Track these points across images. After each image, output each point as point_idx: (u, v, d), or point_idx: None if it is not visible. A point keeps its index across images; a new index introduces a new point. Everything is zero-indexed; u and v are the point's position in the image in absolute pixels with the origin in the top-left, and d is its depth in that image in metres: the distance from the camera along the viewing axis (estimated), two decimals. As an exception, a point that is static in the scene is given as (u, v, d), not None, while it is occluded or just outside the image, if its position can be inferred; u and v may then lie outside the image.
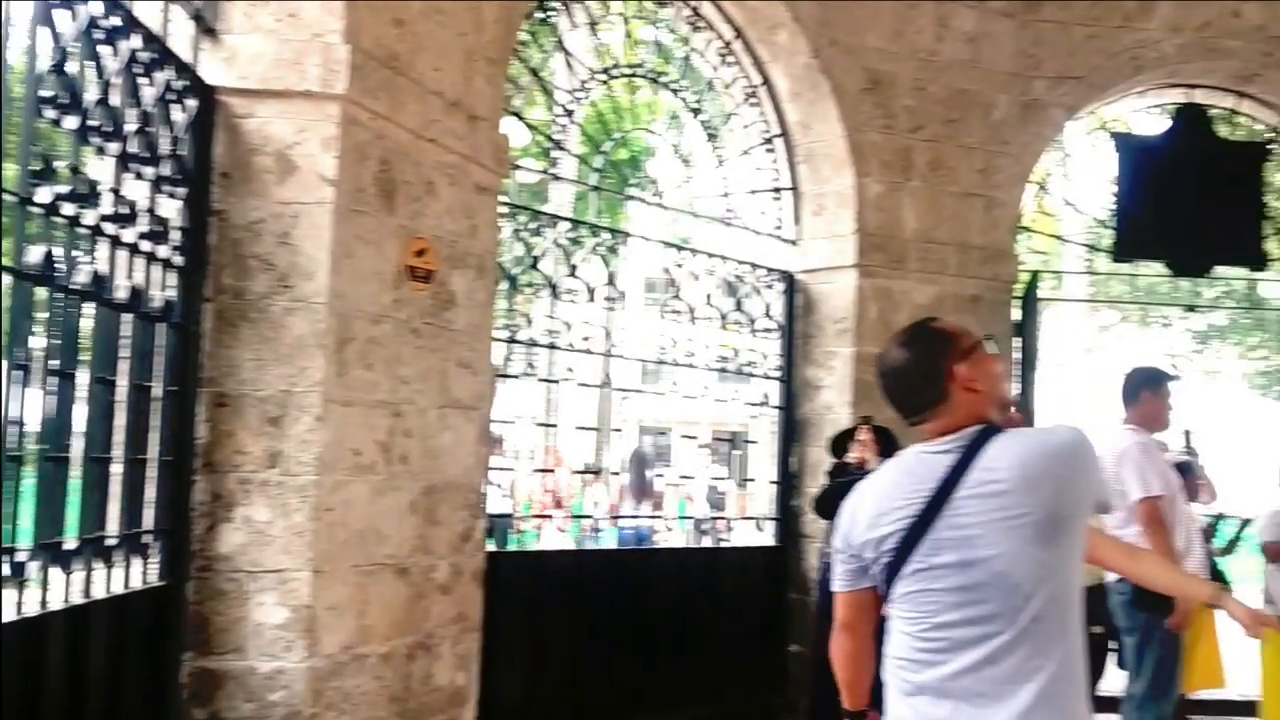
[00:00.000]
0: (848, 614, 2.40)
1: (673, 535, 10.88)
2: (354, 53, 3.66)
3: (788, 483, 6.49)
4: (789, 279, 6.58)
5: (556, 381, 6.26)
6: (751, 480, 6.88)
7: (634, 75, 6.12)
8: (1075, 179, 7.89)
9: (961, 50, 6.64)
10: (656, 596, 5.69)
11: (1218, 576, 6.25)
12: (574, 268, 5.49)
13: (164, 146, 3.28)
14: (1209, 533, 6.22)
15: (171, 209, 3.37)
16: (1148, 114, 7.83)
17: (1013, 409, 2.60)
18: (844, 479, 4.89)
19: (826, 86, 6.30)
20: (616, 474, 9.94)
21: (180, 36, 3.50)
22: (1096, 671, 5.66)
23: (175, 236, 3.38)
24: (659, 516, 10.24)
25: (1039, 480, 2.12)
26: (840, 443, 5.48)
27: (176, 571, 3.45)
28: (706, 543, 11.44)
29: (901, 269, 6.48)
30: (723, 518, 10.52)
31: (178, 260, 3.41)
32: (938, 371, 2.26)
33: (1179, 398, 5.31)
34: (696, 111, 6.43)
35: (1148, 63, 6.95)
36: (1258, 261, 7.47)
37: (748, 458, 8.89)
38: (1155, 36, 6.91)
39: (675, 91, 6.34)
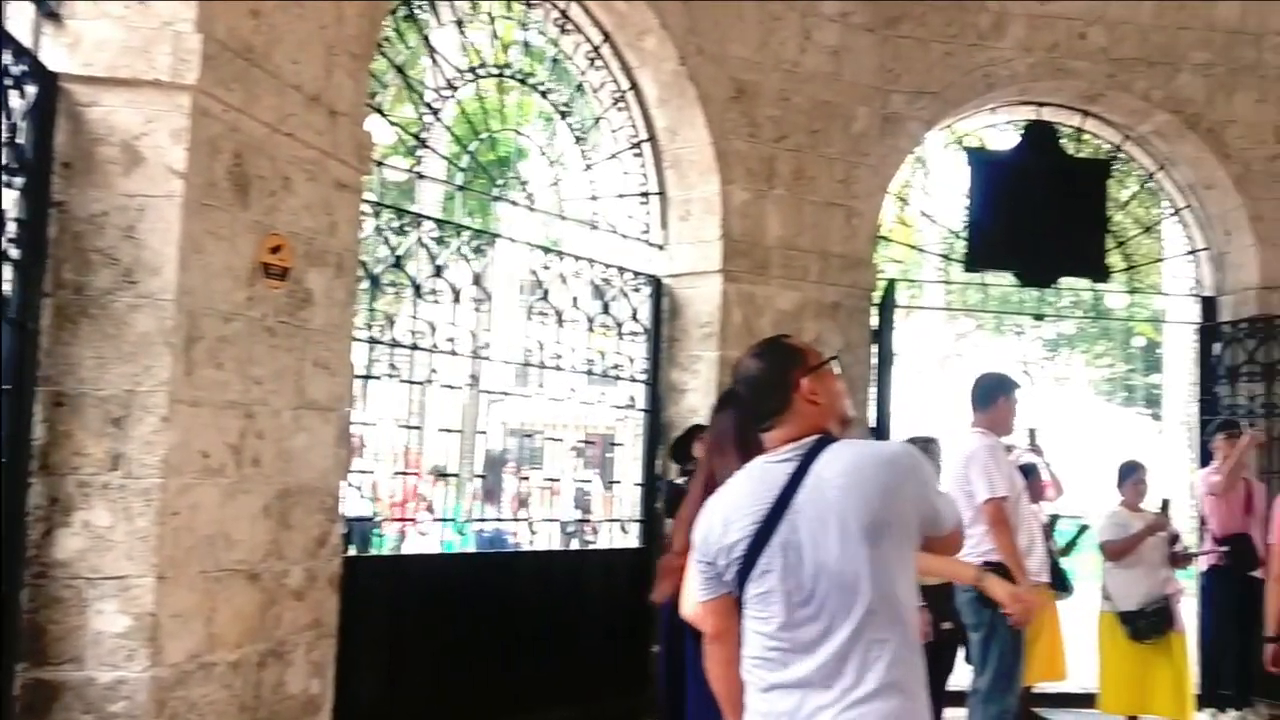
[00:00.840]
0: (714, 622, 2.46)
1: (539, 538, 10.84)
2: (206, 42, 3.54)
3: (652, 485, 6.54)
4: (656, 283, 6.64)
5: (419, 383, 6.18)
6: (617, 483, 6.91)
7: (501, 76, 6.09)
8: (932, 191, 8.17)
9: (824, 63, 6.81)
10: (521, 600, 5.67)
11: (1059, 575, 6.55)
12: (439, 268, 5.43)
13: (-1, 134, 3.13)
14: (1048, 532, 6.50)
15: (8, 200, 3.20)
16: (1000, 130, 8.15)
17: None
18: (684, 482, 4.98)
19: (693, 94, 6.38)
20: (482, 478, 9.87)
21: (20, 20, 3.34)
22: (946, 667, 5.85)
23: (11, 229, 3.22)
24: (520, 519, 10.20)
25: (866, 486, 2.28)
26: (681, 448, 5.53)
27: (9, 579, 3.28)
28: (574, 545, 11.43)
29: (765, 275, 6.60)
30: (587, 520, 10.55)
31: (14, 253, 3.24)
32: (785, 382, 2.43)
33: (1024, 403, 5.56)
34: (565, 114, 6.43)
35: (1000, 80, 7.25)
36: (1100, 273, 7.84)
37: (613, 460, 8.95)
38: (1007, 55, 7.21)
39: (544, 94, 6.33)
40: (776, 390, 2.43)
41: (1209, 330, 7.79)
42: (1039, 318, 9.10)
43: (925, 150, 7.94)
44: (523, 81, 6.22)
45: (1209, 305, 7.87)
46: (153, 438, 3.42)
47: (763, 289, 6.60)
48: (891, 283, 7.36)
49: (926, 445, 5.95)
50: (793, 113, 6.71)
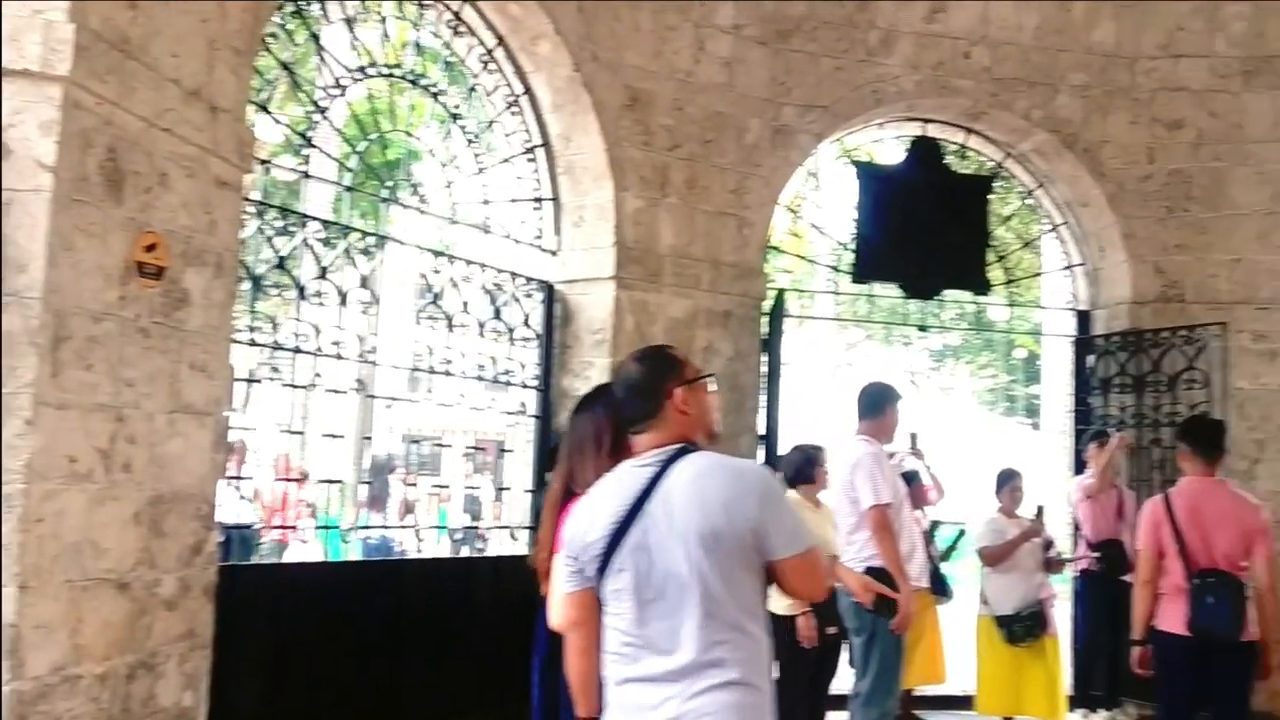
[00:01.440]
0: (573, 613, 2.60)
1: (427, 545, 10.70)
2: (79, 32, 3.42)
3: (543, 491, 6.49)
4: (548, 289, 6.62)
5: (302, 387, 6.05)
6: (507, 489, 6.86)
7: (392, 76, 6.00)
8: (823, 203, 8.32)
9: (718, 74, 6.88)
10: (406, 609, 5.57)
11: (939, 580, 6.72)
12: (324, 270, 5.32)
13: None
14: (927, 538, 6.67)
15: None
16: (888, 144, 8.33)
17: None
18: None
19: (588, 100, 6.38)
20: (368, 484, 9.69)
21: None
22: (830, 671, 5.95)
23: None
24: (406, 526, 10.04)
25: (708, 497, 2.43)
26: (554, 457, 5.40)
27: None
28: (466, 552, 11.32)
29: (658, 283, 6.63)
30: (474, 527, 10.45)
31: None
32: (659, 389, 2.59)
33: (907, 411, 5.70)
34: (456, 117, 6.37)
35: (888, 96, 7.41)
36: (982, 286, 8.07)
37: (504, 467, 8.86)
38: (895, 72, 7.38)
39: (435, 95, 6.26)
40: (651, 396, 2.58)
41: (1083, 343, 8.09)
42: (923, 329, 9.31)
43: (817, 163, 8.08)
44: (414, 83, 6.13)
45: (1084, 319, 8.16)
46: (16, 441, 3.28)
47: (655, 296, 6.63)
48: (781, 292, 7.46)
49: (812, 453, 6.06)
50: (686, 122, 6.77)
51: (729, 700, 2.39)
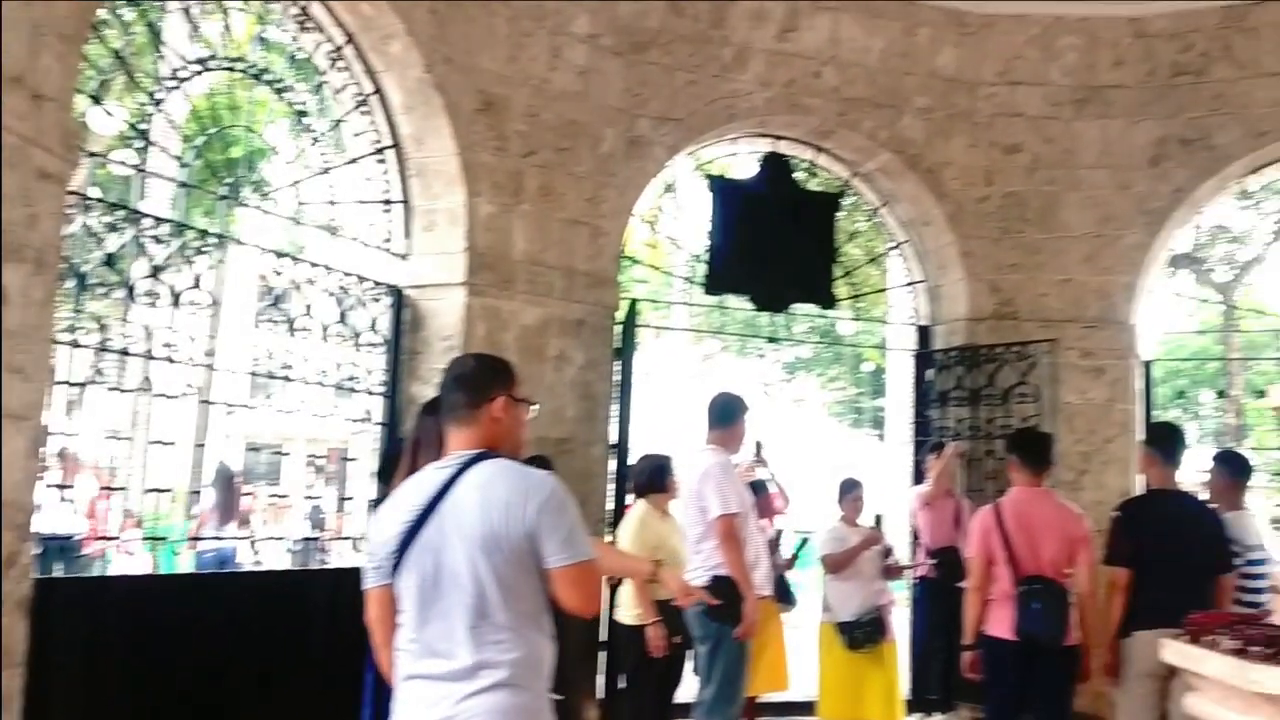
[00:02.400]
0: (373, 610, 2.72)
1: (268, 557, 10.34)
2: (-119, 7, 3.19)
3: (384, 502, 6.34)
4: (397, 293, 6.48)
5: (129, 391, 5.76)
6: (350, 499, 6.68)
7: (234, 70, 5.79)
8: (679, 215, 8.39)
9: (573, 82, 6.87)
10: (240, 624, 5.34)
11: (784, 588, 6.84)
12: (157, 269, 5.08)
13: None
14: (774, 546, 6.78)
15: None
16: (742, 159, 8.45)
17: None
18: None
19: (440, 103, 6.28)
20: (195, 494, 9.30)
21: None
22: (675, 679, 5.99)
23: None
24: (243, 538, 9.70)
25: (492, 502, 2.52)
26: (390, 467, 5.14)
27: None
28: (309, 565, 10.95)
29: (510, 290, 6.57)
30: (314, 538, 10.14)
31: None
32: (484, 390, 2.70)
33: (755, 421, 5.79)
34: (303, 114, 6.19)
35: (740, 112, 7.53)
36: (829, 301, 8.26)
37: (348, 476, 8.63)
38: (747, 88, 7.50)
39: (280, 91, 6.06)
40: (475, 392, 2.70)
41: (923, 357, 8.36)
42: (772, 340, 9.47)
43: (674, 175, 8.15)
44: (257, 78, 5.93)
45: (925, 334, 8.44)
46: None
47: (507, 303, 6.56)
48: (634, 302, 7.48)
49: (662, 462, 6.09)
50: (541, 129, 6.73)
51: (499, 703, 2.47)
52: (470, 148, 6.41)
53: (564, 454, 6.43)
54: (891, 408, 11.35)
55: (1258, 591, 5.06)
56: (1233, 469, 5.50)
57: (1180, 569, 4.82)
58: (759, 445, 7.04)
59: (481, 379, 2.73)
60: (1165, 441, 5.22)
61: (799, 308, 8.50)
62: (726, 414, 5.51)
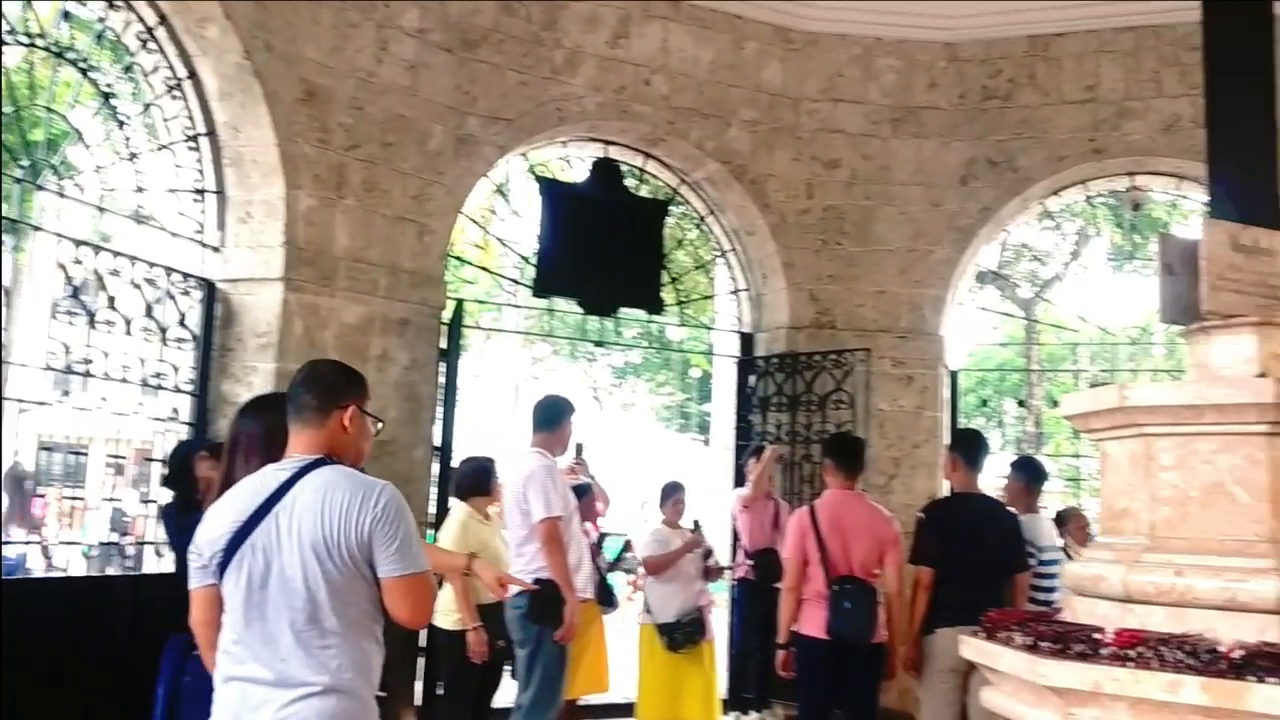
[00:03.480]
0: (197, 610, 2.65)
1: (66, 563, 9.75)
2: None
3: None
4: (209, 287, 6.21)
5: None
6: (154, 502, 6.36)
7: (34, 45, 5.43)
8: (511, 216, 8.32)
9: (401, 76, 6.73)
10: (25, 633, 4.99)
11: (606, 590, 6.86)
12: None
13: None
14: (596, 549, 6.80)
15: None
16: (572, 162, 8.47)
17: None
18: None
19: (259, 91, 6.06)
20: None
21: None
22: (494, 683, 5.93)
23: None
24: (34, 542, 9.13)
25: (329, 507, 2.50)
26: (181, 473, 4.77)
27: None
28: (111, 570, 10.38)
29: (330, 286, 6.38)
30: (114, 543, 9.62)
31: None
32: (336, 396, 2.69)
33: (580, 425, 5.79)
34: (110, 96, 5.86)
35: (571, 115, 7.53)
36: (656, 306, 8.35)
37: (152, 478, 8.19)
38: (579, 92, 7.51)
39: (85, 71, 5.73)
40: (328, 397, 2.68)
41: (745, 364, 8.54)
42: (599, 344, 9.50)
43: (506, 175, 8.09)
44: (60, 55, 5.58)
45: (747, 341, 8.63)
46: None
47: (327, 301, 6.38)
48: (460, 302, 7.38)
49: (486, 465, 6.03)
50: (366, 123, 6.57)
51: (326, 708, 2.46)
52: (291, 138, 6.21)
53: (386, 456, 6.29)
54: (717, 413, 11.56)
55: (1050, 590, 5.36)
56: (1028, 474, 5.81)
57: (980, 568, 5.06)
58: (580, 448, 7.05)
59: (336, 385, 2.71)
60: (968, 447, 5.47)
61: (627, 312, 8.56)
62: (552, 416, 5.49)
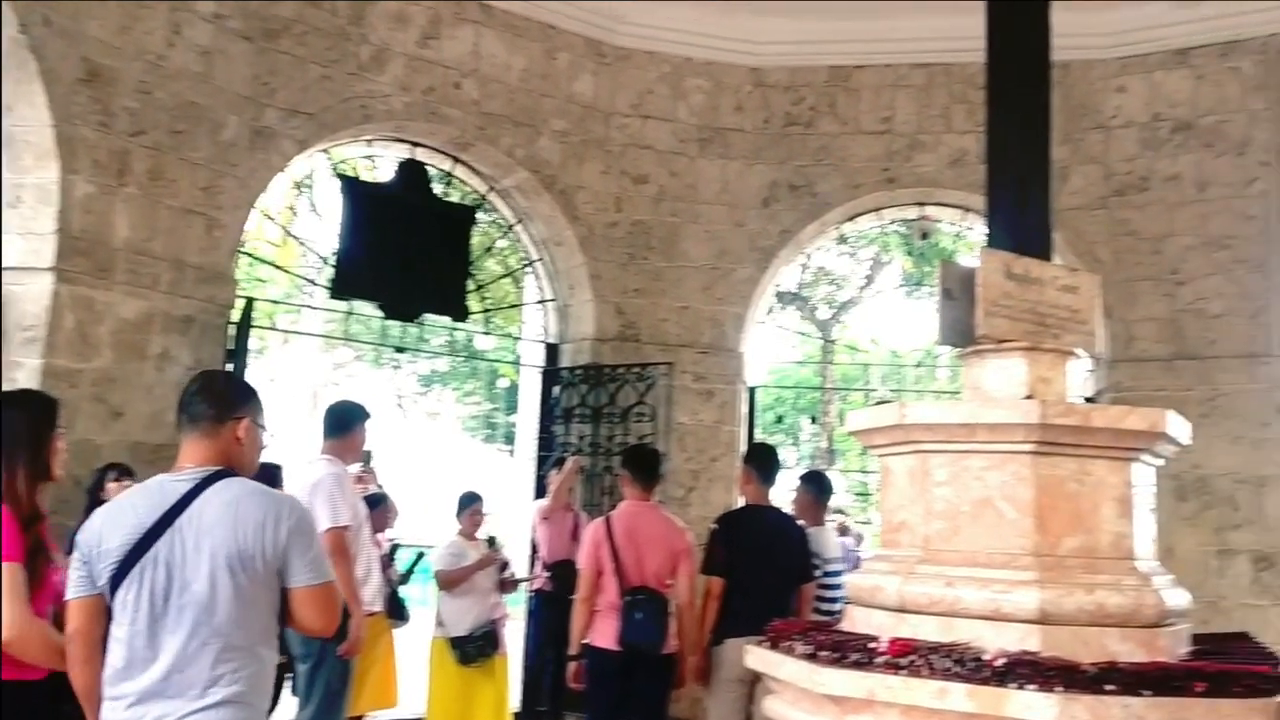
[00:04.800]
0: (77, 620, 2.58)
1: None
2: None
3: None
4: (-31, 276, 5.73)
5: None
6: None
7: None
8: (311, 214, 8.05)
9: (194, 62, 6.40)
10: None
11: (397, 603, 6.68)
12: None
13: None
14: (388, 561, 6.62)
15: None
16: (378, 162, 8.26)
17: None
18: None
19: (34, 68, 5.65)
20: None
21: None
22: (274, 700, 5.66)
23: None
24: None
25: (241, 520, 2.51)
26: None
27: None
28: None
29: (108, 279, 5.99)
30: None
31: None
32: (232, 409, 2.71)
33: (374, 432, 5.63)
34: None
35: (377, 114, 7.34)
36: (460, 313, 8.22)
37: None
38: (385, 91, 7.32)
39: None
40: (226, 406, 2.70)
41: (550, 374, 8.51)
42: (400, 350, 9.26)
43: (308, 172, 7.81)
44: None
45: (553, 352, 8.60)
46: None
47: (104, 294, 5.98)
48: (250, 301, 7.04)
49: (271, 471, 5.77)
50: (154, 108, 6.21)
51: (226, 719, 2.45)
52: (68, 120, 5.81)
53: (165, 461, 5.90)
54: (523, 423, 11.49)
55: (834, 601, 5.54)
56: (816, 488, 6.00)
57: (768, 579, 5.18)
58: (368, 455, 6.86)
59: (233, 397, 2.75)
60: (761, 461, 5.60)
61: (435, 319, 8.40)
62: (343, 423, 5.32)
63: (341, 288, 7.66)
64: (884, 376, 17.64)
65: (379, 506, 6.72)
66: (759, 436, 8.90)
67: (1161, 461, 3.83)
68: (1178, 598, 3.61)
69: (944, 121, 8.30)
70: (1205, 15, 7.63)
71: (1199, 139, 7.76)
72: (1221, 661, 3.30)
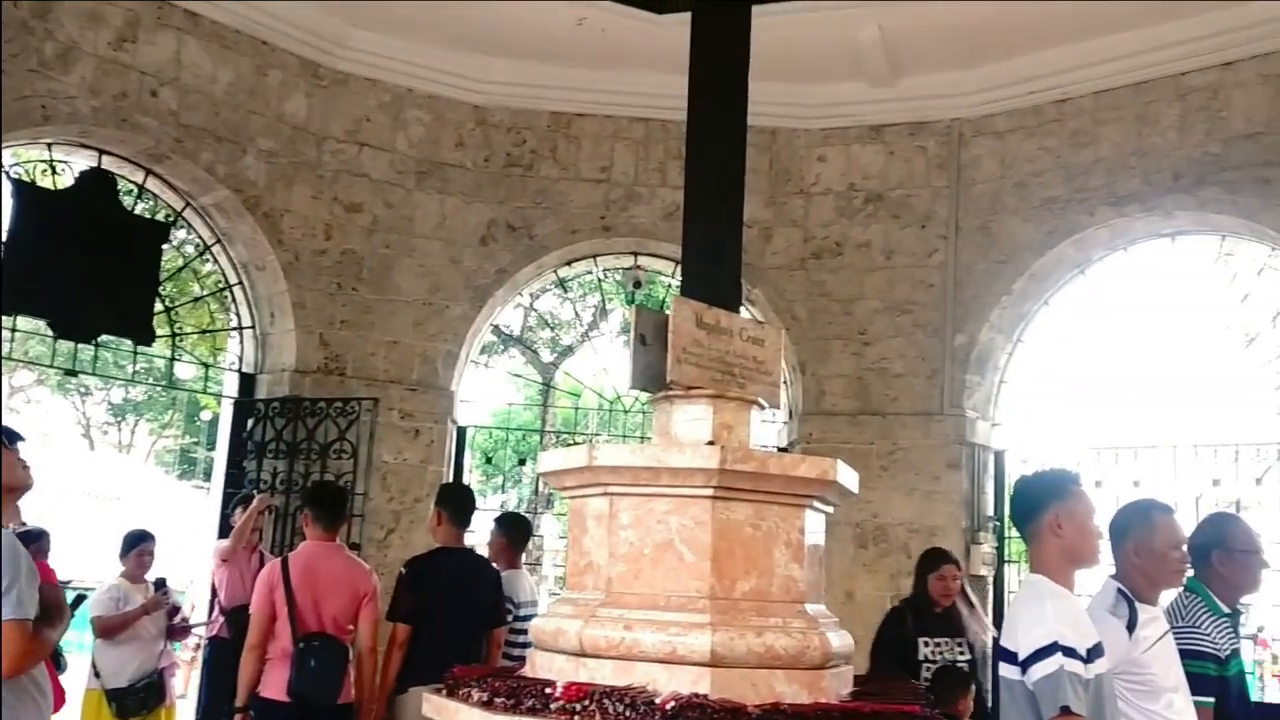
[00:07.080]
0: None
1: None
2: None
3: None
4: None
5: None
6: None
7: None
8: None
9: None
10: None
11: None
12: None
13: None
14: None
15: None
16: (58, 168, 7.56)
17: None
18: None
19: None
20: None
21: None
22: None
23: None
24: None
25: None
26: None
27: None
28: None
29: None
30: None
31: None
32: None
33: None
34: None
35: (60, 116, 6.74)
36: (146, 336, 7.60)
37: None
38: (71, 92, 6.75)
39: None
40: None
41: (243, 406, 8.02)
42: (70, 373, 8.41)
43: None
44: None
45: (249, 382, 8.12)
46: None
47: None
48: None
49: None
50: None
51: None
52: None
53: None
54: (220, 458, 10.80)
55: (526, 645, 5.44)
56: (511, 530, 5.91)
57: (457, 624, 5.02)
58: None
59: None
60: (454, 501, 5.45)
61: (114, 341, 7.74)
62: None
63: (8, 303, 6.92)
64: (600, 423, 17.88)
65: (37, 543, 6.07)
66: (474, 480, 8.73)
67: (831, 510, 3.98)
68: (842, 640, 3.74)
69: (660, 175, 8.54)
70: (899, 96, 8.25)
71: (888, 210, 8.35)
72: (877, 702, 3.44)
